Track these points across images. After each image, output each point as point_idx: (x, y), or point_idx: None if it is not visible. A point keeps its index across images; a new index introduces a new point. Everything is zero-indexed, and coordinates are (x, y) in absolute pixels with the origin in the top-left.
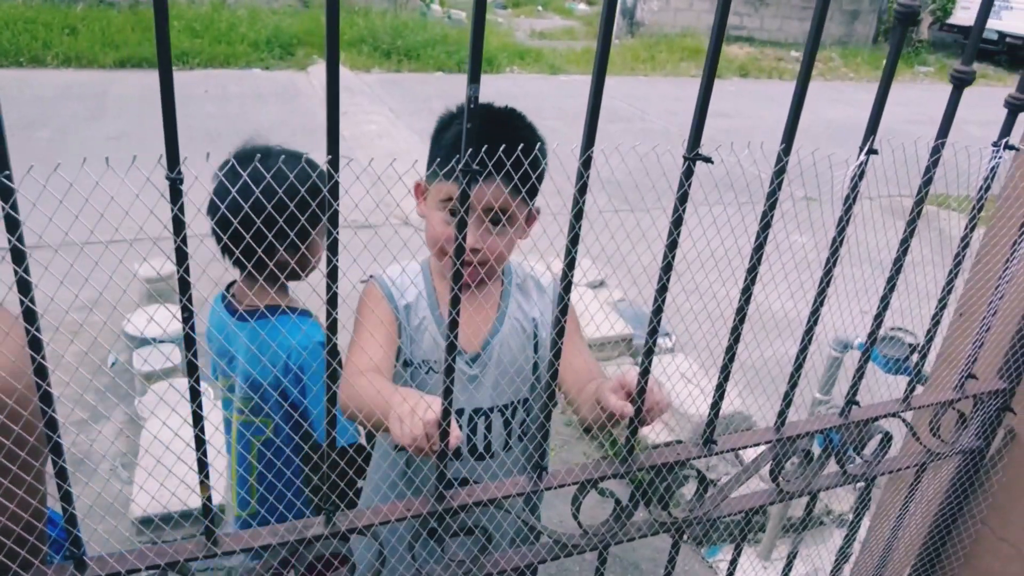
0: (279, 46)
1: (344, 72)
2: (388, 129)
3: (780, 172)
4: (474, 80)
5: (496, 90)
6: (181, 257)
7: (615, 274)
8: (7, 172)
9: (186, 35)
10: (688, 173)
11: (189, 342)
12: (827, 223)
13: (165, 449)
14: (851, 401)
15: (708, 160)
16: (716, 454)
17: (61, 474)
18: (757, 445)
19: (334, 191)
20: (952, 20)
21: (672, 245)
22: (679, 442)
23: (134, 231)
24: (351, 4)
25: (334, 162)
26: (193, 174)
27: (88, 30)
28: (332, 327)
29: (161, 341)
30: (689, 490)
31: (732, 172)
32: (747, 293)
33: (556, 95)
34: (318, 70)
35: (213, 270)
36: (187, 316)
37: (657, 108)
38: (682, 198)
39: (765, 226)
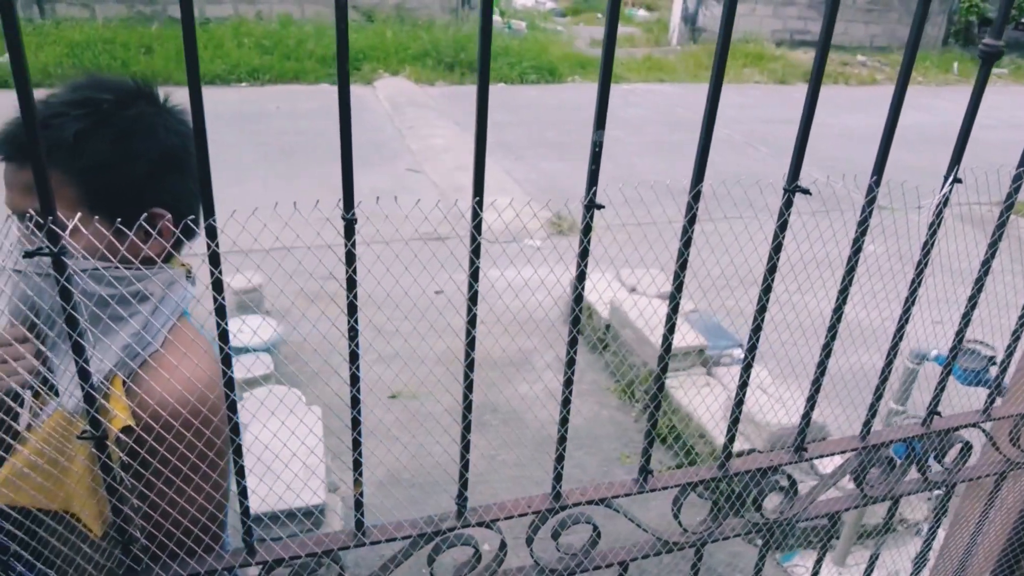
0: None
1: (409, 86)
2: (453, 143)
3: (871, 201)
4: (599, 127)
5: (560, 100)
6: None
7: (687, 285)
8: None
9: (256, 52)
10: (788, 204)
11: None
12: (899, 232)
13: (255, 450)
14: (933, 411)
15: (806, 192)
16: (806, 460)
17: (241, 472)
18: (844, 452)
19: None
20: None
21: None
22: (755, 451)
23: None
24: (415, 18)
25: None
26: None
27: (163, 49)
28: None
29: (254, 349)
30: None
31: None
32: (839, 312)
33: (618, 104)
34: (384, 84)
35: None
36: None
37: (721, 115)
38: (782, 226)
39: (857, 250)
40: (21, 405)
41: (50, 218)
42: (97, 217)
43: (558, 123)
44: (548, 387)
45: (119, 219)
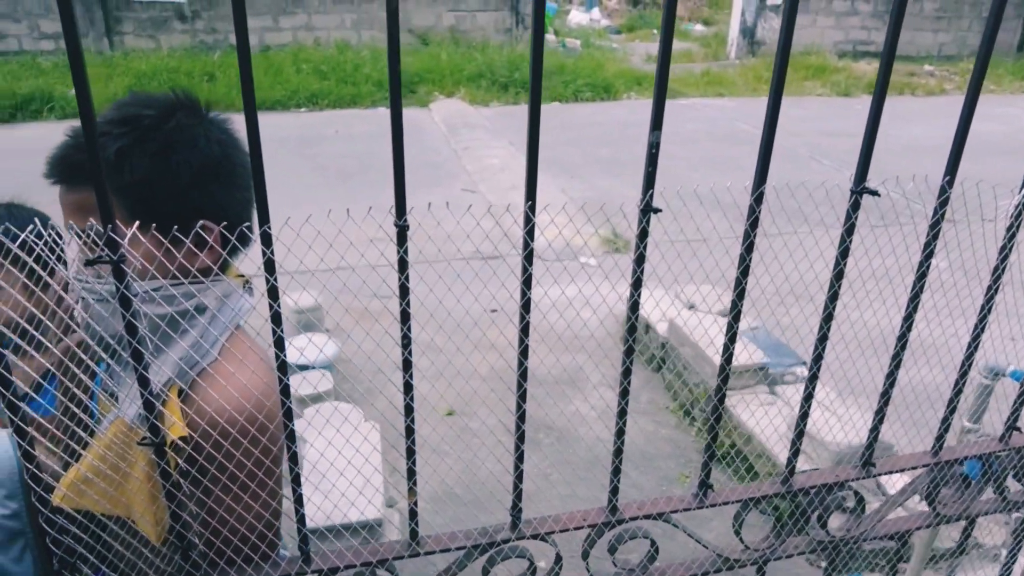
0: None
1: (464, 107)
2: (509, 162)
3: (944, 202)
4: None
5: (614, 117)
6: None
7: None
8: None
9: (315, 77)
10: (856, 206)
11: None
12: (964, 245)
13: (319, 465)
14: (1012, 426)
15: (875, 193)
16: (875, 475)
17: (297, 480)
18: (915, 468)
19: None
20: None
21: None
22: (817, 470)
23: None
24: (469, 40)
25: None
26: (351, 214)
27: (225, 76)
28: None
29: (312, 367)
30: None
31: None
32: (909, 320)
33: (675, 120)
34: (439, 106)
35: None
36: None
37: (781, 129)
38: (849, 230)
39: (929, 255)
40: (87, 413)
41: (109, 227)
42: (149, 230)
43: (613, 140)
44: (606, 405)
45: (170, 232)
